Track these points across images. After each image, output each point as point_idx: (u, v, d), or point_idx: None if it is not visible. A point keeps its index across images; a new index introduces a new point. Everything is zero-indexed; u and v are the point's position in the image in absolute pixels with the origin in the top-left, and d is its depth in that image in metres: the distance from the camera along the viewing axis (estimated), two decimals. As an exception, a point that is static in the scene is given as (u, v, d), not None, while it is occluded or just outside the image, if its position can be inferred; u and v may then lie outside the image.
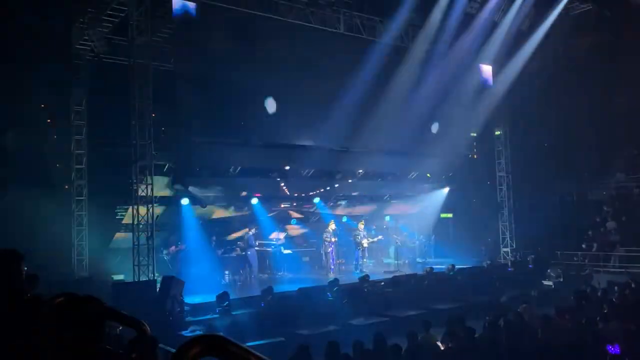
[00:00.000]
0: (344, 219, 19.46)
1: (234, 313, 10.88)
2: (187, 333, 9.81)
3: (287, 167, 16.36)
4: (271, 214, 17.98)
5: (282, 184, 17.18)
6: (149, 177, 12.34)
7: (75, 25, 13.54)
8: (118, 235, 14.54)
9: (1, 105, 11.79)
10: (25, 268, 2.88)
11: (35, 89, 12.40)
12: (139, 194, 12.24)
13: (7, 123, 12.42)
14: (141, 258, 12.22)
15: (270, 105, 14.74)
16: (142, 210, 12.33)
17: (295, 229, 19.03)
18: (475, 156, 19.82)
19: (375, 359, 7.10)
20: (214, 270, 15.09)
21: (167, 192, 14.93)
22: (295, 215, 19.34)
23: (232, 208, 17.53)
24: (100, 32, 13.45)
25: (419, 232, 20.06)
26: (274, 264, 16.55)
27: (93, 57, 13.80)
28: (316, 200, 18.63)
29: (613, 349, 6.59)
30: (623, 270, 16.12)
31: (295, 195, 18.27)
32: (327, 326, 11.08)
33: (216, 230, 16.14)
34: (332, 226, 16.99)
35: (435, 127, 18.06)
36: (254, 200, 17.23)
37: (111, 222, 14.31)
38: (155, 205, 12.69)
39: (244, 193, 17.05)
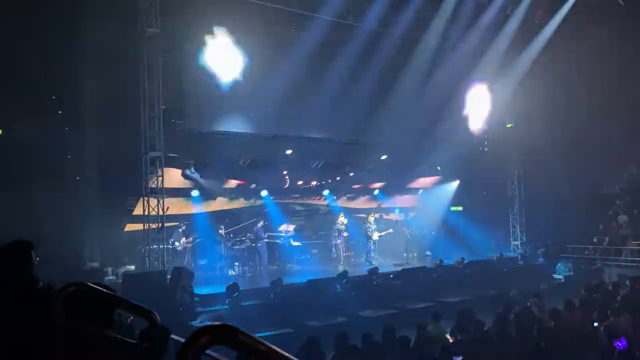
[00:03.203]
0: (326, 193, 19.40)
1: (243, 304, 10.93)
2: (196, 324, 9.87)
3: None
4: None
5: (287, 176, 17.18)
6: (159, 169, 12.43)
7: (85, 15, 13.57)
8: (129, 226, 14.64)
9: (11, 97, 11.84)
10: (38, 258, 2.90)
11: (45, 81, 12.44)
12: (150, 185, 12.35)
13: (18, 114, 12.48)
14: (151, 249, 12.32)
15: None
16: (153, 201, 12.44)
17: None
18: (486, 149, 19.71)
19: (384, 351, 7.11)
20: (223, 262, 15.20)
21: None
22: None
23: (242, 199, 17.61)
24: (111, 22, 13.47)
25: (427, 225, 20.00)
26: (283, 255, 16.60)
27: (103, 48, 13.82)
28: (325, 192, 18.57)
29: (620, 344, 6.56)
30: (635, 264, 16.00)
31: (303, 187, 18.28)
32: (336, 318, 11.13)
33: (225, 222, 16.18)
34: (341, 219, 17.00)
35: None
36: (264, 192, 17.31)
37: (122, 213, 14.39)
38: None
39: (253, 185, 17.13)
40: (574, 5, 16.73)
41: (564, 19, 16.94)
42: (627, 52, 17.94)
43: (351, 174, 18.59)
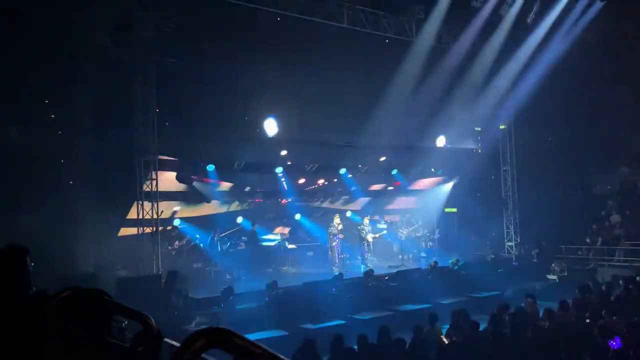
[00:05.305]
0: (349, 214, 19.48)
1: (238, 307, 10.92)
2: (191, 327, 9.85)
3: (284, 152, 16.23)
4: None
5: (284, 180, 17.17)
6: (153, 172, 12.40)
7: (78, 19, 13.53)
8: (123, 230, 14.60)
9: (3, 100, 11.77)
10: (32, 264, 2.89)
11: (38, 84, 12.39)
12: (144, 189, 12.32)
13: (10, 118, 12.42)
14: (146, 253, 12.29)
15: (270, 127, 14.80)
16: (147, 205, 12.40)
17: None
18: (479, 150, 19.78)
19: (379, 353, 7.11)
20: (218, 265, 15.17)
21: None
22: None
23: (236, 202, 17.60)
24: (104, 25, 13.44)
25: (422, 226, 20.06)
26: (278, 258, 16.59)
27: (96, 51, 13.79)
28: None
29: (614, 343, 6.59)
30: (627, 264, 16.09)
31: (298, 190, 18.27)
32: (331, 320, 11.13)
33: (219, 225, 16.16)
34: (337, 220, 17.00)
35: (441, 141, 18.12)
36: (259, 195, 17.33)
37: (116, 216, 14.34)
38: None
39: (247, 188, 17.12)
40: (566, 6, 16.82)
41: (556, 20, 17.02)
42: (618, 53, 18.06)
43: (349, 176, 18.63)
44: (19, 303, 2.58)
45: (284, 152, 15.97)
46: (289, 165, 16.63)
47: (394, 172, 19.26)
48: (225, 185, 16.58)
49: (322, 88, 14.51)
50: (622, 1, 17.35)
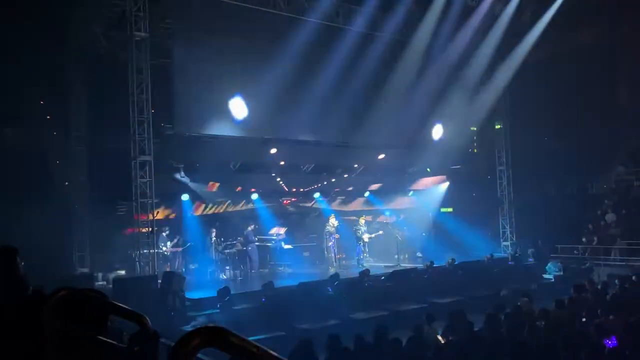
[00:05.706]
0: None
1: (235, 308, 10.90)
2: (188, 328, 9.82)
3: (282, 163, 16.31)
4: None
5: (280, 180, 17.16)
6: (148, 173, 12.38)
7: (73, 20, 13.51)
8: (119, 231, 14.56)
9: (-1, 102, 11.75)
10: (22, 263, 2.88)
11: (34, 85, 12.36)
12: (140, 189, 12.29)
13: (6, 119, 12.39)
14: (142, 253, 12.26)
15: (237, 108, 14.24)
16: (143, 206, 12.37)
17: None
18: (475, 150, 19.80)
19: (375, 353, 7.11)
20: (214, 266, 15.15)
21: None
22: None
23: (231, 203, 17.58)
24: (99, 26, 13.43)
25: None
26: (274, 258, 16.57)
27: (92, 52, 13.77)
28: (316, 195, 18.60)
29: (610, 342, 6.60)
30: (624, 263, 16.14)
31: (294, 190, 18.28)
32: (327, 320, 11.10)
33: (216, 225, 16.14)
34: (332, 220, 17.00)
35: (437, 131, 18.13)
36: (254, 196, 17.28)
37: (112, 217, 14.31)
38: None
39: (239, 188, 17.10)
40: (561, 7, 16.86)
41: (551, 21, 17.06)
42: (613, 53, 18.12)
43: (345, 176, 18.63)
44: (15, 303, 2.57)
45: (273, 150, 15.98)
46: (285, 165, 16.63)
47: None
48: (217, 186, 16.58)
49: (319, 87, 14.50)
50: (621, 1, 17.40)
